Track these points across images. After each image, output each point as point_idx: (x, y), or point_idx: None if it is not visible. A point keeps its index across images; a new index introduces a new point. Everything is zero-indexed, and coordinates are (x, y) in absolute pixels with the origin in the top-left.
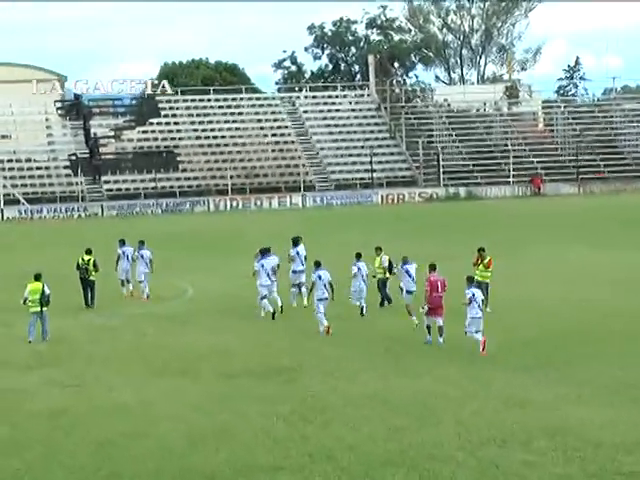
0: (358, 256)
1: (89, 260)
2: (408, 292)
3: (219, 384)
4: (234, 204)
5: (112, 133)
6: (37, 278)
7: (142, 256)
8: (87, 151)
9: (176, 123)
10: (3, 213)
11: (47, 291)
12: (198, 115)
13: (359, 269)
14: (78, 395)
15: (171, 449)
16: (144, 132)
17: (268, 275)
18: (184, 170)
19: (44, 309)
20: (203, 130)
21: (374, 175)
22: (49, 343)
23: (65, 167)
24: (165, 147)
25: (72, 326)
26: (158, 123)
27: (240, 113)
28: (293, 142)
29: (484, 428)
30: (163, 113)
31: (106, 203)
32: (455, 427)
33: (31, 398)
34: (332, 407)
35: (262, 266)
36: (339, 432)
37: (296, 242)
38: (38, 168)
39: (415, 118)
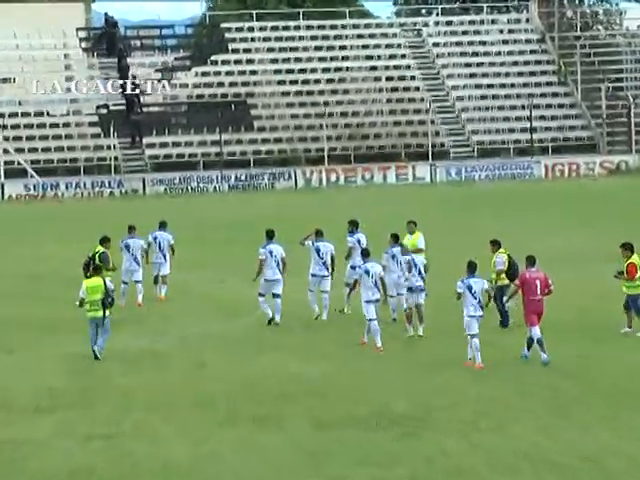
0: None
1: (96, 253)
2: (410, 289)
3: (310, 437)
4: (332, 178)
5: (159, 76)
6: (95, 271)
7: (155, 240)
8: (123, 102)
9: (250, 62)
10: (3, 189)
11: (110, 287)
12: (282, 50)
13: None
14: (109, 449)
15: None
16: (204, 75)
17: (278, 265)
18: (261, 129)
19: (107, 313)
20: (288, 71)
21: (535, 137)
22: (68, 375)
23: (91, 124)
24: (234, 96)
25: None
26: (224, 62)
27: (342, 47)
28: (417, 89)
29: None
30: (232, 47)
31: (149, 176)
32: None
33: (41, 453)
34: (472, 470)
35: (270, 253)
36: None
37: (355, 227)
38: (53, 126)
39: (595, 54)
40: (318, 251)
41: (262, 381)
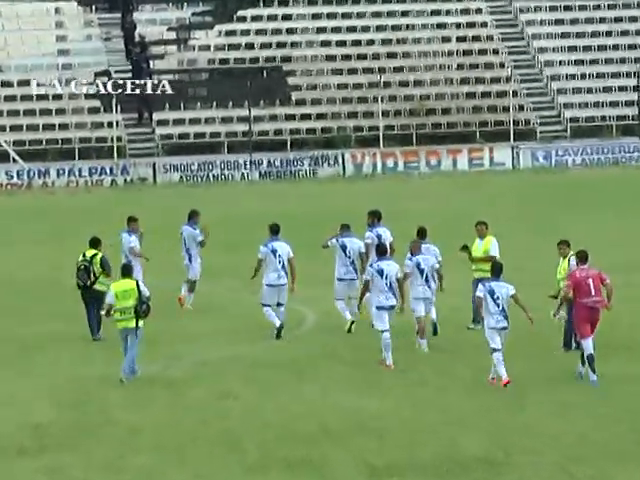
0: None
1: (93, 257)
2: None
3: None
4: (389, 162)
5: (173, 36)
6: (126, 272)
7: (181, 235)
8: (128, 68)
9: (287, 18)
10: None
11: (146, 292)
12: (326, 2)
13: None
14: None
15: None
16: (229, 34)
17: (283, 267)
18: (300, 103)
19: (140, 324)
20: (334, 30)
21: None
22: (58, 409)
23: (89, 96)
24: (267, 61)
25: (95, 377)
26: (255, 18)
27: (402, 0)
28: (496, 52)
29: None
30: None
31: (161, 160)
32: None
33: None
34: None
35: (274, 253)
36: None
37: (377, 218)
38: (41, 98)
39: None
40: (344, 248)
41: (300, 416)
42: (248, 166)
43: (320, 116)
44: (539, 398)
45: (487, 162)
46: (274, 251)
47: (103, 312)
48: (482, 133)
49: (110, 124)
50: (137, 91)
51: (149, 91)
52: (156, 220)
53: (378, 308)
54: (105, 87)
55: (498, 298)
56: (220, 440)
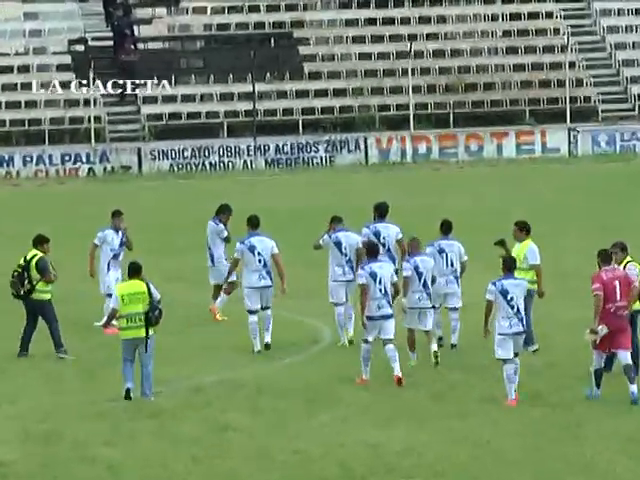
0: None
1: (31, 259)
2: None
3: None
4: (421, 148)
5: None
6: (134, 272)
7: (252, 250)
8: (109, 35)
9: None
10: None
11: (157, 296)
12: None
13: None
14: None
15: None
16: None
17: (265, 265)
18: (315, 76)
19: (150, 332)
20: None
21: None
22: (23, 444)
23: (61, 68)
24: (275, 27)
25: (67, 405)
26: None
27: None
28: (550, 15)
29: None
30: None
31: (148, 146)
32: None
33: None
34: None
35: (251, 249)
36: None
37: (380, 214)
38: (5, 70)
39: None
40: (339, 245)
41: (314, 454)
42: (252, 152)
43: (338, 92)
44: (598, 430)
45: (539, 148)
46: (252, 248)
47: (100, 323)
48: (533, 113)
49: (87, 102)
50: (119, 62)
51: (134, 62)
52: (141, 217)
53: (369, 318)
54: (80, 57)
55: (512, 299)
56: None
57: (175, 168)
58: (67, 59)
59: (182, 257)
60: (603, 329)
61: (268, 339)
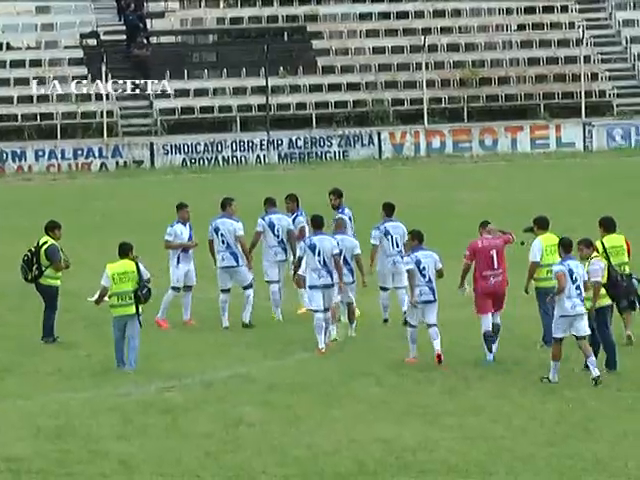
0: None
1: (42, 245)
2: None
3: None
4: (434, 142)
5: None
6: (124, 252)
7: (217, 231)
8: (121, 29)
9: None
10: None
11: (146, 274)
12: None
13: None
14: None
15: None
16: None
17: (228, 247)
18: (328, 70)
19: (140, 309)
20: None
21: None
22: (37, 439)
23: (73, 62)
24: (288, 21)
25: (78, 400)
26: None
27: None
28: (565, 9)
29: None
30: None
31: (160, 140)
32: None
33: None
34: None
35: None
36: None
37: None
38: (17, 64)
39: None
40: (272, 227)
41: (328, 450)
42: (265, 147)
43: (351, 87)
44: (611, 425)
45: (553, 142)
46: (216, 230)
47: (93, 298)
48: (547, 107)
49: (99, 96)
50: (131, 57)
51: (146, 57)
52: (154, 212)
53: (311, 287)
54: (93, 52)
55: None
56: (230, 477)
57: (188, 163)
58: (79, 53)
59: (195, 253)
60: (464, 290)
61: (247, 318)
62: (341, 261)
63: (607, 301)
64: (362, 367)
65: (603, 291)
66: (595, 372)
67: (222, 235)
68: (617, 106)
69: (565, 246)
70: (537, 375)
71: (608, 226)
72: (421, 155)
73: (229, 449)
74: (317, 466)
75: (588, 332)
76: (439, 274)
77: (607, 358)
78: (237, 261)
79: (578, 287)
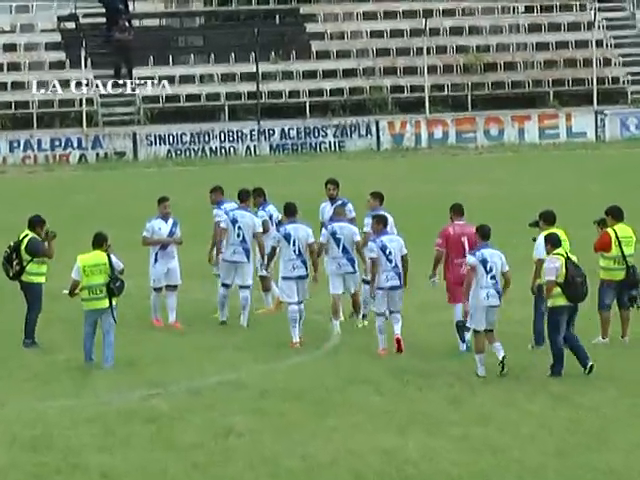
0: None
1: (22, 239)
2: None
3: None
4: (437, 132)
5: None
6: (97, 243)
7: (234, 223)
8: (101, 11)
9: None
10: None
11: (119, 265)
12: None
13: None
14: None
15: None
16: None
17: (243, 241)
18: (323, 55)
19: (114, 302)
20: None
21: None
22: (13, 450)
23: (50, 47)
24: (279, 1)
25: (56, 409)
26: None
27: None
28: None
29: None
30: None
31: (144, 130)
32: None
33: None
34: None
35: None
36: None
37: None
38: None
39: None
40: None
41: (324, 462)
42: (255, 137)
43: (348, 73)
44: (625, 434)
45: (563, 132)
46: (234, 221)
47: (66, 291)
48: (557, 94)
49: (78, 83)
50: (112, 41)
51: (128, 41)
52: (137, 206)
53: (284, 278)
54: (71, 35)
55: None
56: None
57: (173, 154)
58: (57, 37)
59: (180, 249)
60: (435, 281)
61: (244, 321)
62: (339, 250)
63: (561, 302)
64: (360, 372)
65: (558, 290)
66: (500, 354)
67: (240, 228)
68: (631, 93)
69: (482, 235)
70: (545, 381)
71: (618, 215)
72: (422, 146)
73: (218, 460)
74: (312, 478)
75: (493, 327)
76: (404, 261)
77: (552, 364)
78: (248, 257)
79: (493, 277)
